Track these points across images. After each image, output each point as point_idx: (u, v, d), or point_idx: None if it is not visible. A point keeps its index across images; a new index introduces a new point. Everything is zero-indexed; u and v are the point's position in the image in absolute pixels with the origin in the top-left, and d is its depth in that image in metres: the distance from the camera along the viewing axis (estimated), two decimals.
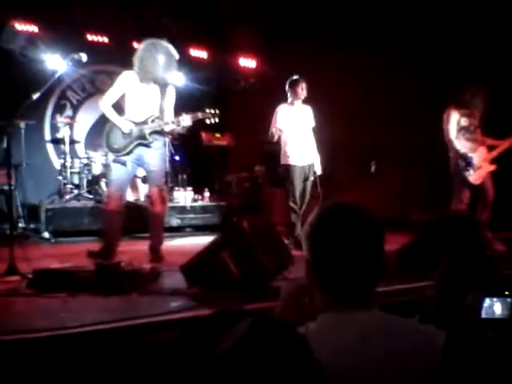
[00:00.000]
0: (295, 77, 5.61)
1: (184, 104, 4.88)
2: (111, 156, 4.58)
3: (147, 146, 4.31)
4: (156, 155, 4.38)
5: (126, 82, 4.32)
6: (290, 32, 7.98)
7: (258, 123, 8.25)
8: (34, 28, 7.10)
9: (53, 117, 7.62)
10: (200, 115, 4.42)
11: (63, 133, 6.88)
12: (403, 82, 7.73)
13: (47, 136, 7.74)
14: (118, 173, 4.35)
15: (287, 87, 5.64)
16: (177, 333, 2.61)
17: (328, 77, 7.65)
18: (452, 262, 1.85)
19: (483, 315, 1.32)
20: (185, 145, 8.11)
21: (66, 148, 6.83)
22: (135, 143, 4.29)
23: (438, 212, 5.42)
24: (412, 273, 3.90)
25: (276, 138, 5.62)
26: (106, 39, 7.58)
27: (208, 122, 4.56)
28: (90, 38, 7.51)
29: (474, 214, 5.34)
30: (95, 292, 3.14)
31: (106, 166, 6.39)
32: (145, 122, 4.29)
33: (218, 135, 8.31)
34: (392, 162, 8.33)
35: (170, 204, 6.77)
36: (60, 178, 6.74)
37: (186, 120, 4.30)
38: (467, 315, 1.35)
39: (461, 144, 5.32)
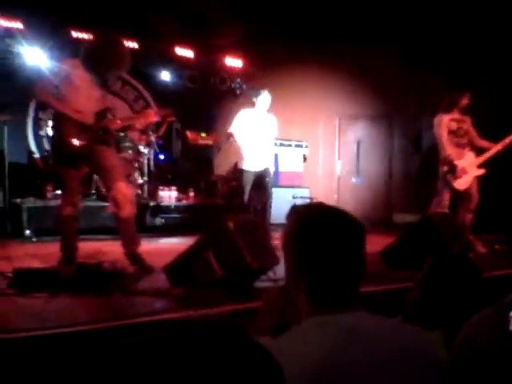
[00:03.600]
0: (261, 89, 5.75)
1: (169, 103, 4.85)
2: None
3: (106, 141, 4.01)
4: (112, 150, 4.12)
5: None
6: (275, 31, 7.99)
7: None
8: (18, 24, 7.02)
9: (36, 112, 7.53)
10: (163, 113, 4.41)
11: (46, 129, 6.80)
12: (387, 83, 7.80)
13: (30, 132, 7.64)
14: (74, 178, 3.98)
15: (252, 96, 5.79)
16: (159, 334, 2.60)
17: (311, 77, 7.70)
18: (433, 264, 1.86)
19: (510, 328, 1.29)
20: (170, 144, 8.08)
21: (49, 145, 6.75)
22: (96, 139, 3.94)
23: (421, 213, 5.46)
24: (395, 274, 3.93)
25: (227, 140, 5.92)
26: (91, 36, 7.51)
27: (168, 120, 4.47)
28: (74, 34, 7.44)
29: (456, 216, 5.39)
30: (77, 292, 3.11)
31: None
32: (104, 115, 3.99)
33: (203, 134, 8.29)
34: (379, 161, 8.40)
35: (154, 203, 6.74)
36: (42, 175, 6.66)
37: (151, 116, 4.20)
38: (493, 327, 1.33)
39: (449, 149, 5.37)
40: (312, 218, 1.27)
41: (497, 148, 5.38)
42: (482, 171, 5.41)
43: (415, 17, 7.18)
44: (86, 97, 3.94)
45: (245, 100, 6.25)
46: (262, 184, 5.78)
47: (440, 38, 7.07)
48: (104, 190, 5.89)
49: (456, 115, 5.40)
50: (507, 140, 5.31)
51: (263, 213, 5.72)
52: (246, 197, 5.72)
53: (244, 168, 5.73)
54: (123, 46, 4.05)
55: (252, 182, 5.73)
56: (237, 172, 6.02)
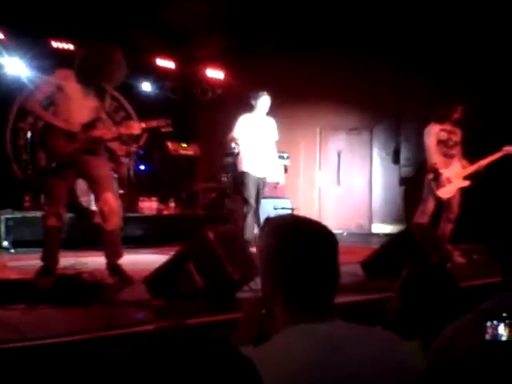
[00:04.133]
0: (260, 92, 5.76)
1: (150, 114, 4.83)
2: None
3: (94, 152, 3.98)
4: (103, 160, 4.09)
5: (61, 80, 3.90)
6: (256, 43, 8.05)
7: (224, 133, 8.29)
8: None
9: (15, 122, 7.45)
10: (155, 124, 4.24)
11: (25, 139, 6.74)
12: (367, 95, 7.90)
13: (8, 142, 7.55)
14: (60, 189, 3.91)
15: (251, 99, 5.81)
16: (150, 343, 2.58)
17: (292, 88, 7.75)
18: (410, 272, 1.89)
19: (487, 338, 1.32)
20: (150, 154, 8.06)
21: (28, 155, 6.69)
22: (83, 149, 3.90)
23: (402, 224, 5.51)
24: (376, 284, 3.95)
25: (231, 146, 5.99)
26: (71, 46, 7.48)
27: (163, 130, 4.33)
28: (55, 44, 7.40)
29: (437, 226, 5.46)
30: (56, 304, 3.07)
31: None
32: (92, 126, 3.96)
33: (184, 145, 8.29)
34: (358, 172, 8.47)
35: (134, 214, 6.70)
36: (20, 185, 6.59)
37: (134, 128, 4.08)
38: (468, 335, 1.36)
39: (435, 158, 5.44)
40: (286, 230, 1.30)
41: (485, 162, 5.46)
42: (466, 183, 5.49)
43: (396, 31, 7.30)
44: (78, 108, 3.92)
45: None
46: (257, 193, 5.79)
47: (421, 52, 7.20)
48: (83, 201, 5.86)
49: (447, 126, 5.48)
50: (494, 156, 5.41)
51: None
52: (253, 197, 5.70)
53: (244, 170, 5.74)
54: (117, 56, 4.01)
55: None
56: (239, 176, 5.94)
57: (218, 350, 0.76)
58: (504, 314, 1.28)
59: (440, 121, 5.49)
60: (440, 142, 5.46)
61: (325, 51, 7.63)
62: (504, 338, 1.28)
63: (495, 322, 1.29)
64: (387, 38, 7.37)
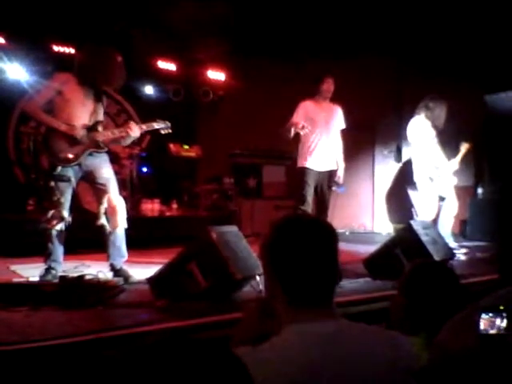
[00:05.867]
0: (323, 74, 5.20)
1: (152, 116, 4.83)
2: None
3: (97, 155, 4.01)
4: (107, 163, 4.11)
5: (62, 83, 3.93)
6: (258, 45, 8.06)
7: (226, 135, 8.30)
8: (0, 39, 6.99)
9: (17, 126, 7.47)
10: (155, 125, 4.24)
11: (28, 143, 6.76)
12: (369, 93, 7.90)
13: (11, 146, 7.58)
14: (64, 192, 3.92)
15: (313, 82, 5.23)
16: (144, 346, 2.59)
17: (294, 88, 7.75)
18: (413, 271, 1.89)
19: (480, 330, 1.32)
20: (152, 156, 8.07)
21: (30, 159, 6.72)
22: (87, 152, 3.95)
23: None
24: (379, 281, 3.96)
25: (292, 134, 5.09)
26: (72, 50, 7.50)
27: (163, 132, 4.32)
28: (56, 48, 7.42)
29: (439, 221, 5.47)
30: (59, 306, 3.07)
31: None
32: (94, 129, 4.00)
33: (186, 147, 8.31)
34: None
35: (137, 215, 6.71)
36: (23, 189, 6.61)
37: (134, 130, 4.06)
38: (465, 330, 1.36)
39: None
40: (286, 228, 1.32)
41: (460, 156, 5.53)
42: (455, 180, 5.53)
43: (397, 28, 7.30)
44: (78, 110, 3.96)
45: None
46: (321, 189, 5.17)
47: (422, 48, 7.19)
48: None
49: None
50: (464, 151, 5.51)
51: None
52: (310, 199, 5.06)
53: (307, 166, 5.12)
54: (117, 59, 4.03)
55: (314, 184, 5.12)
56: (298, 171, 5.22)
57: (208, 351, 0.77)
58: (501, 307, 1.28)
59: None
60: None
61: (326, 51, 7.63)
62: (501, 331, 1.28)
63: (491, 315, 1.28)
64: (388, 35, 7.36)
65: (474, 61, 6.77)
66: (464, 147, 5.53)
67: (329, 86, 5.14)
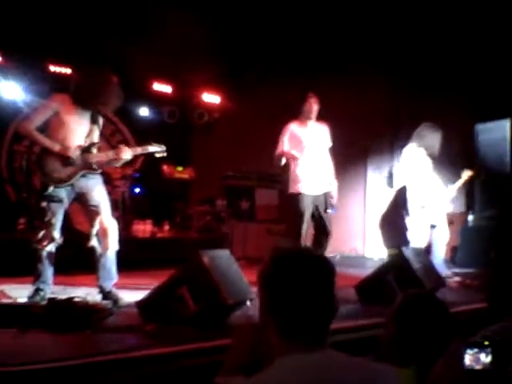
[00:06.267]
0: (307, 93, 5.09)
1: (147, 138, 4.84)
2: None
3: (91, 176, 4.02)
4: (101, 185, 4.09)
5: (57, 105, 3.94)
6: (253, 68, 8.14)
7: (220, 157, 8.33)
8: None
9: (11, 145, 7.47)
10: (150, 148, 4.25)
11: (20, 162, 6.75)
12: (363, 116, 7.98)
13: (3, 164, 7.56)
14: (55, 213, 3.89)
15: (297, 103, 5.13)
16: (132, 372, 2.56)
17: (288, 111, 7.82)
18: (404, 302, 1.89)
19: (465, 365, 1.32)
20: (146, 177, 8.07)
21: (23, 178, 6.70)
22: (80, 173, 3.95)
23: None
24: (370, 309, 3.94)
25: (283, 162, 5.04)
26: (68, 70, 7.55)
27: (157, 155, 4.33)
28: (52, 68, 7.46)
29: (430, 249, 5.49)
30: (48, 328, 3.03)
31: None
32: (88, 150, 4.01)
33: (179, 168, 8.32)
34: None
35: (128, 236, 6.67)
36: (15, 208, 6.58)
37: (127, 153, 4.08)
38: (451, 364, 1.36)
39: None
40: (284, 261, 1.31)
41: (459, 184, 5.57)
42: (451, 207, 5.56)
43: (390, 53, 7.40)
44: (74, 131, 3.96)
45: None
46: (318, 213, 4.97)
47: (416, 73, 7.29)
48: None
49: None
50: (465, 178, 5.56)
51: (320, 245, 4.89)
52: (305, 227, 4.85)
53: (301, 191, 4.93)
54: (114, 80, 4.04)
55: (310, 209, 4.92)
56: (291, 198, 5.00)
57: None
58: (485, 343, 1.28)
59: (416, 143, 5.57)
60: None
61: (321, 74, 7.71)
62: (486, 367, 1.28)
63: (476, 350, 1.29)
64: (380, 60, 7.46)
65: (465, 89, 6.87)
66: (466, 174, 5.59)
67: (311, 105, 5.02)
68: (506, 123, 6.77)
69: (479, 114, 7.10)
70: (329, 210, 5.03)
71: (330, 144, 5.19)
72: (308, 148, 5.02)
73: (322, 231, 4.98)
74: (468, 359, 1.29)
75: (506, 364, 1.26)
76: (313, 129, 5.12)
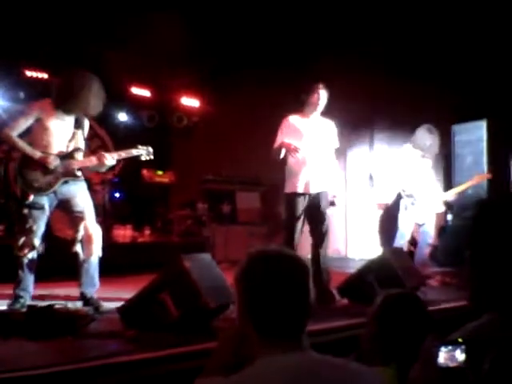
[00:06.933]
0: (315, 84, 4.52)
1: (126, 142, 4.81)
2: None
3: (73, 182, 3.98)
4: (84, 190, 4.05)
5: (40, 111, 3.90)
6: (232, 71, 8.15)
7: (200, 161, 8.32)
8: None
9: None
10: (134, 152, 4.20)
11: None
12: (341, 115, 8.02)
13: None
14: (37, 220, 3.84)
15: (302, 95, 4.60)
16: (113, 377, 2.54)
17: (267, 115, 7.83)
18: (384, 302, 1.91)
19: (440, 363, 1.32)
20: (125, 181, 8.02)
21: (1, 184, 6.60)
22: (62, 180, 3.92)
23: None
24: (352, 309, 3.98)
25: (282, 156, 4.51)
26: (45, 75, 7.46)
27: (143, 158, 4.27)
28: (28, 73, 7.37)
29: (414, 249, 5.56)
30: (28, 335, 3.00)
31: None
32: (71, 156, 3.97)
33: (159, 172, 8.29)
34: None
35: (108, 241, 6.60)
36: None
37: (111, 158, 4.03)
38: (425, 362, 1.37)
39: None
40: (258, 261, 1.32)
41: (460, 189, 5.65)
42: (442, 208, 5.64)
43: (370, 57, 7.46)
44: (56, 137, 3.92)
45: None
46: (315, 212, 4.51)
47: (395, 76, 7.36)
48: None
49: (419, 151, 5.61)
50: (473, 181, 5.62)
51: (316, 248, 4.50)
52: (298, 229, 4.47)
53: (297, 191, 4.47)
54: (96, 85, 3.98)
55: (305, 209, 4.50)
56: (285, 200, 4.61)
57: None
58: (460, 340, 1.29)
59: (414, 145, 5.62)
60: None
61: (300, 78, 7.75)
62: (461, 365, 1.29)
63: (450, 348, 1.29)
64: (361, 64, 7.52)
65: (442, 90, 6.96)
66: (475, 178, 5.68)
67: (319, 96, 4.47)
68: (482, 124, 6.89)
69: (456, 114, 7.20)
70: (328, 208, 4.64)
71: (336, 144, 4.70)
72: (310, 141, 4.50)
73: (317, 232, 4.52)
74: (442, 357, 1.30)
75: (481, 362, 1.27)
76: (317, 122, 4.59)
